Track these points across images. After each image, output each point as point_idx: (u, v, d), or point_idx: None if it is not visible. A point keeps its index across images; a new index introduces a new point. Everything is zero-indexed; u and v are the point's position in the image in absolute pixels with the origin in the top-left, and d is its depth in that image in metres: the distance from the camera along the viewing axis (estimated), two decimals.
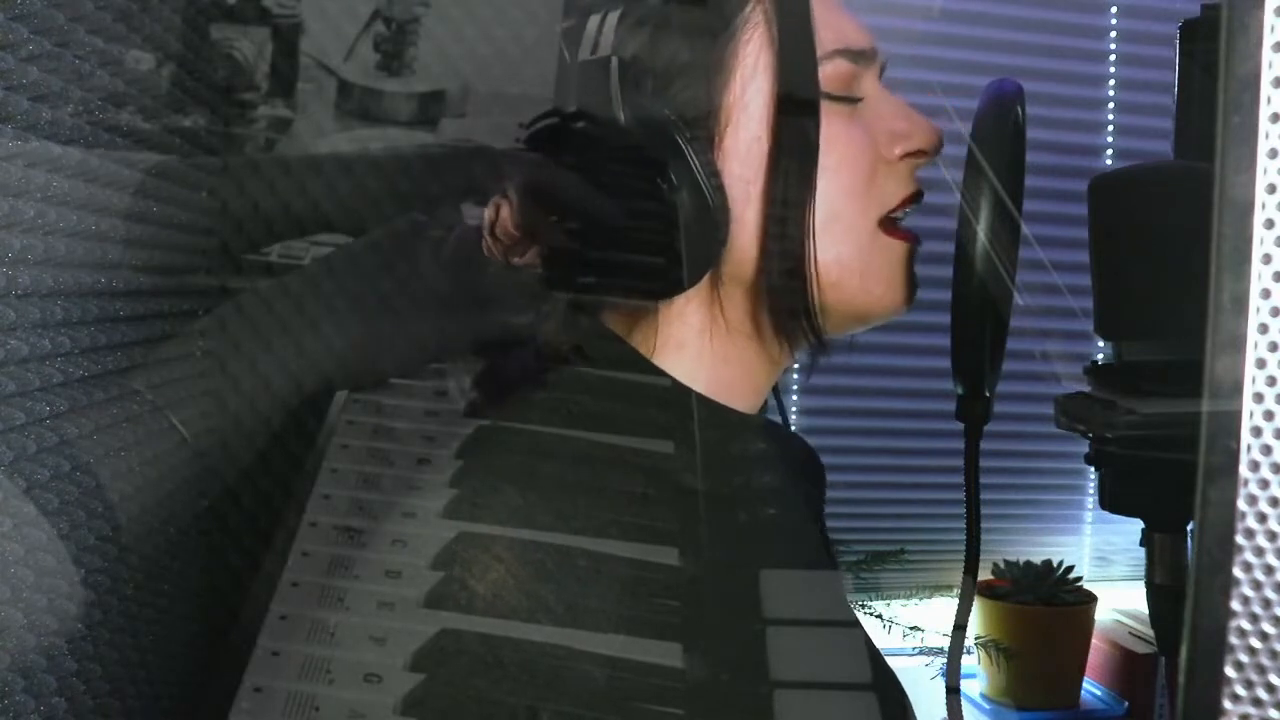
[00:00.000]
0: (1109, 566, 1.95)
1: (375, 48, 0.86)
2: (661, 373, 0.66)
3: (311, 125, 0.85)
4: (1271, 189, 0.37)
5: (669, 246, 0.62)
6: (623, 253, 0.64)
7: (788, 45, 0.63)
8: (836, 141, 0.63)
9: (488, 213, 0.69)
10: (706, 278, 0.65)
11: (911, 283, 0.67)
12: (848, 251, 0.64)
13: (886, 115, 0.66)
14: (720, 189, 0.62)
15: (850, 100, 0.65)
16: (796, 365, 0.75)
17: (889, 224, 0.66)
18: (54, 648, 0.54)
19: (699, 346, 0.66)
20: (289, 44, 0.84)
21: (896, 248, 0.66)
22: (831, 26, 0.64)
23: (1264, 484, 0.37)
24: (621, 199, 0.63)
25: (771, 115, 0.63)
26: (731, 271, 0.65)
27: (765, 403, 0.73)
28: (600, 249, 0.65)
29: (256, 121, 0.84)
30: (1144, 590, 0.63)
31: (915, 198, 0.67)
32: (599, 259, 0.65)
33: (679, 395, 0.66)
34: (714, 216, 0.61)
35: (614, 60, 0.62)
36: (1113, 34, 1.89)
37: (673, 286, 0.63)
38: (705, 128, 0.63)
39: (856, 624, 0.72)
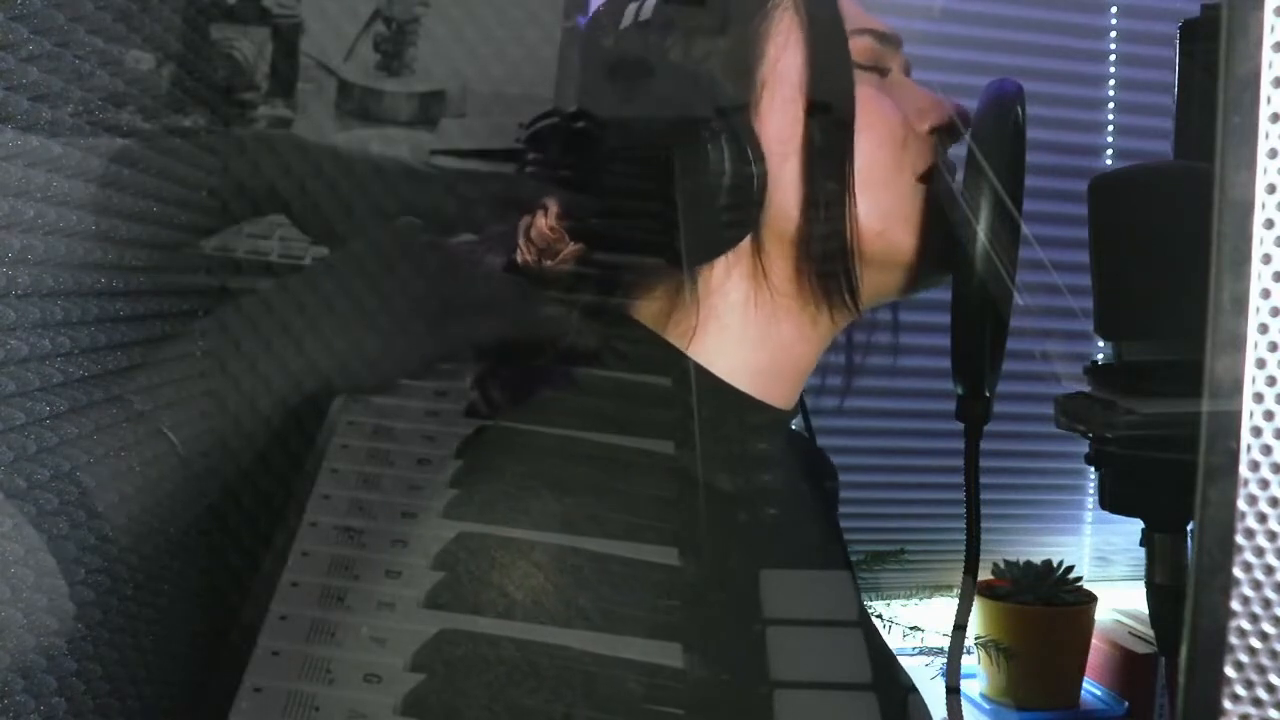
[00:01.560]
0: (1109, 566, 1.95)
1: (375, 48, 0.86)
2: (687, 365, 0.67)
3: (311, 125, 0.85)
4: (1271, 189, 0.37)
5: (710, 206, 0.64)
6: (665, 217, 0.66)
7: (818, 20, 0.67)
8: (870, 102, 0.67)
9: (522, 222, 0.70)
10: (748, 244, 0.66)
11: (954, 243, 0.68)
12: (889, 202, 0.67)
13: (913, 95, 0.70)
14: (758, 148, 0.64)
15: (879, 70, 0.69)
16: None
17: (927, 183, 0.68)
18: (54, 648, 0.54)
19: (742, 324, 0.67)
20: (289, 44, 0.84)
21: (934, 202, 0.68)
22: (856, 14, 0.69)
23: (1264, 484, 0.37)
24: (659, 164, 0.64)
25: (807, 76, 0.66)
26: (772, 231, 0.66)
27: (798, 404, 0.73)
28: (643, 218, 0.67)
29: (256, 121, 0.84)
30: (1144, 590, 0.63)
31: (945, 166, 0.69)
32: (638, 229, 0.68)
33: (706, 390, 0.66)
34: (753, 175, 0.64)
35: (655, 27, 0.66)
36: (1112, 34, 1.88)
37: (716, 245, 0.66)
38: (742, 95, 0.66)
39: (873, 627, 0.73)
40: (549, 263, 0.69)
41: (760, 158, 0.64)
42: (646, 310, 0.69)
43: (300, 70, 0.85)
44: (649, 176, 0.65)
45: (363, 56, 0.86)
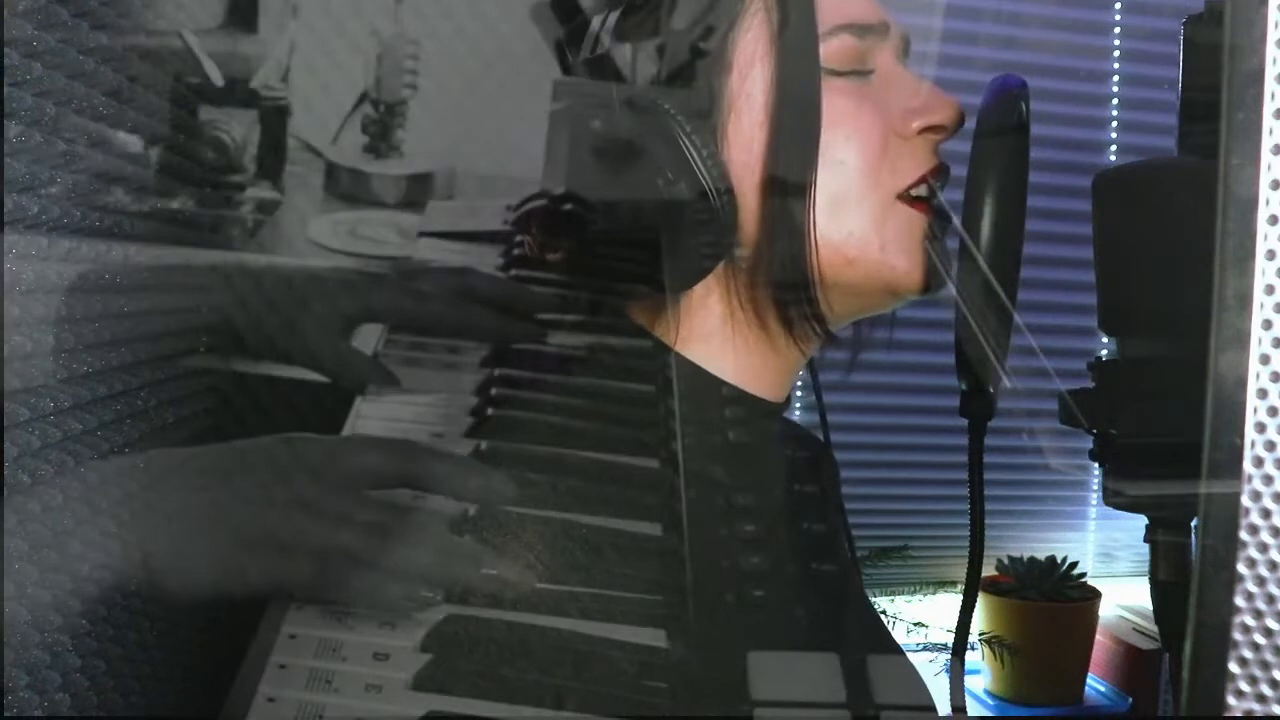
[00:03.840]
0: (1113, 562, 1.95)
1: (363, 130, 0.86)
2: (676, 357, 0.67)
3: (299, 208, 0.85)
4: (1275, 185, 0.37)
5: (677, 240, 0.62)
6: (634, 249, 0.65)
7: (787, 25, 0.63)
8: (844, 117, 0.63)
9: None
10: (724, 268, 0.65)
11: (941, 262, 0.67)
12: (861, 226, 0.64)
13: (901, 90, 0.66)
14: (724, 178, 0.62)
15: (858, 74, 0.65)
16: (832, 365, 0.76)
17: (910, 199, 0.65)
18: (58, 644, 0.55)
19: (722, 336, 0.67)
20: (276, 126, 0.84)
21: (917, 220, 0.66)
22: (835, 3, 0.64)
23: (1268, 480, 0.37)
24: (628, 193, 0.63)
25: (772, 99, 0.63)
26: (744, 259, 0.65)
27: (789, 396, 0.73)
28: (614, 248, 0.66)
29: (244, 204, 0.84)
30: (1148, 586, 0.63)
31: (937, 172, 0.66)
32: (615, 258, 0.67)
33: (696, 382, 0.66)
34: (718, 206, 0.62)
35: (614, 56, 0.63)
36: (1116, 29, 1.88)
37: (687, 277, 0.64)
38: (709, 119, 0.63)
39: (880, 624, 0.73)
40: (550, 257, 0.70)
41: (728, 192, 0.62)
42: (638, 314, 0.69)
43: (288, 153, 0.85)
44: (623, 207, 0.65)
45: (350, 139, 0.86)
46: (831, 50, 0.63)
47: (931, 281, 0.66)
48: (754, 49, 0.64)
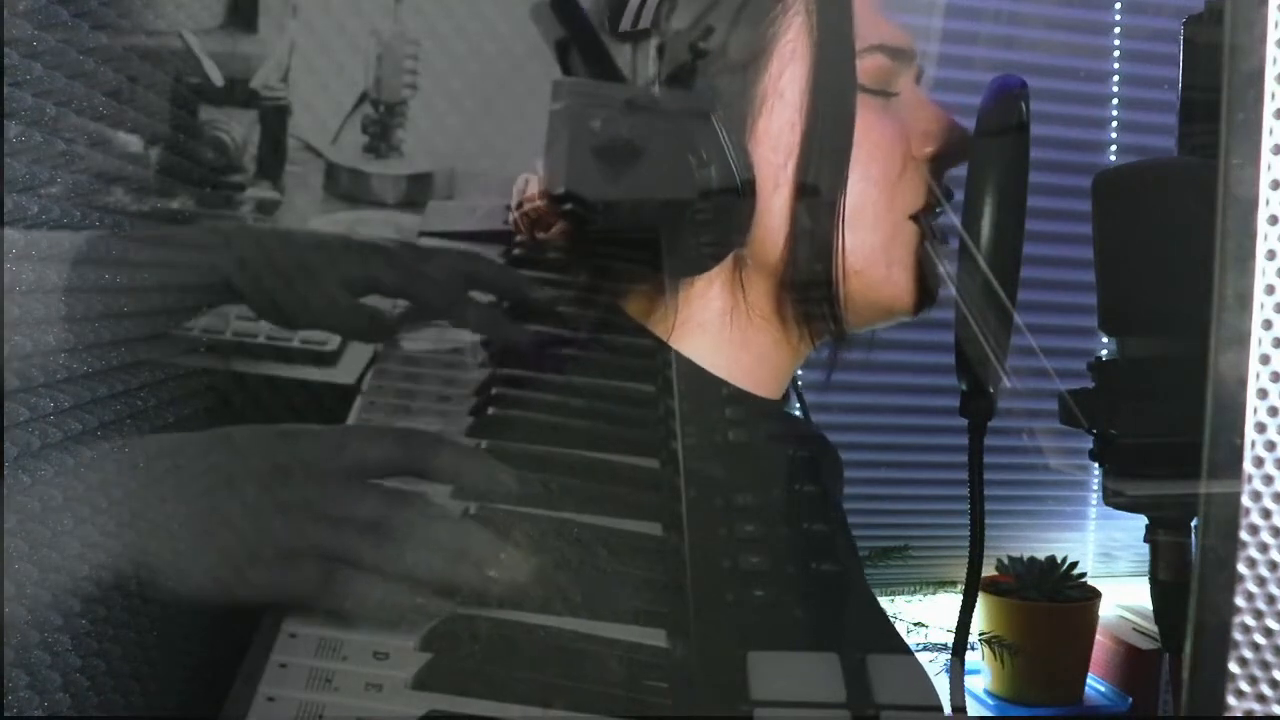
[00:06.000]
0: (1113, 562, 1.95)
1: (363, 130, 0.87)
2: (669, 354, 0.67)
3: (299, 208, 0.85)
4: (1275, 185, 0.37)
5: (695, 224, 0.63)
6: (649, 228, 0.65)
7: (827, 36, 0.64)
8: (870, 132, 0.64)
9: (516, 186, 0.70)
10: (730, 260, 0.65)
11: (930, 278, 0.68)
12: (875, 240, 0.65)
13: (920, 115, 0.67)
14: (749, 169, 0.63)
15: (886, 94, 0.66)
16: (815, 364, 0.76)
17: (917, 221, 0.67)
18: (58, 644, 0.55)
19: (719, 329, 0.67)
20: (277, 126, 0.84)
21: (918, 241, 0.67)
22: (870, 23, 0.65)
23: (1268, 480, 0.37)
24: (650, 174, 0.63)
25: (807, 102, 0.64)
26: (756, 254, 0.65)
27: (786, 394, 0.73)
28: (619, 237, 0.66)
29: (244, 204, 0.84)
30: (1148, 586, 0.63)
31: (945, 196, 0.68)
32: (624, 232, 0.67)
33: (689, 377, 0.66)
34: (741, 197, 0.62)
35: (653, 35, 0.64)
36: (1117, 29, 1.88)
37: (695, 264, 0.65)
38: (739, 111, 0.64)
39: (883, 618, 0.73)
40: (541, 234, 0.70)
41: (750, 189, 0.63)
42: (632, 304, 0.69)
43: (288, 153, 0.85)
44: (638, 183, 0.65)
45: (350, 139, 0.87)
46: (865, 67, 0.65)
47: (924, 302, 0.68)
48: (792, 50, 0.64)
